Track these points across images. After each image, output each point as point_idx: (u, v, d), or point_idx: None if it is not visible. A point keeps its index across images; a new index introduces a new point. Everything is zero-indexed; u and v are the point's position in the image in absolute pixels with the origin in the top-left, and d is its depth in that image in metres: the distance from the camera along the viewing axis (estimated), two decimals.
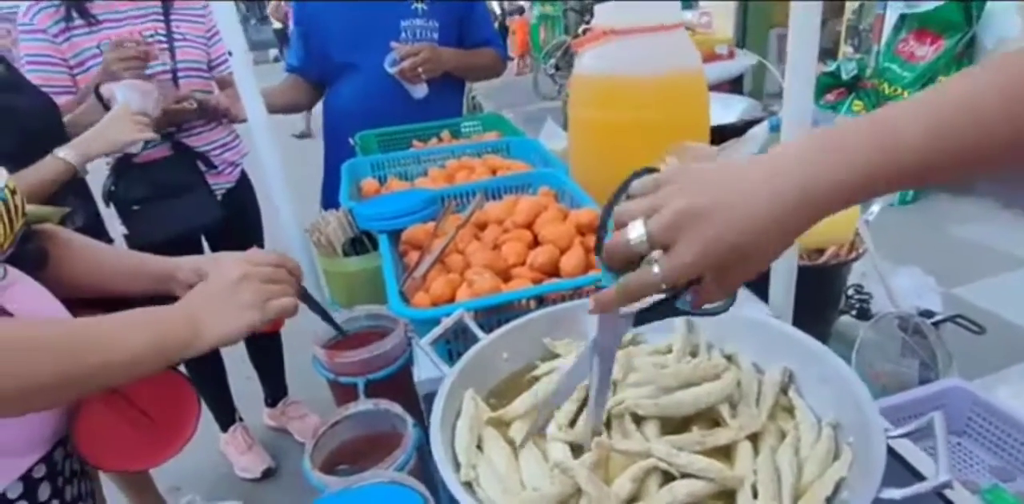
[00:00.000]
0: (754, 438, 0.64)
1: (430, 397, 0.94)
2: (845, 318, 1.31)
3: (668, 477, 0.60)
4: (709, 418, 0.67)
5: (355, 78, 1.80)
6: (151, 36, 1.68)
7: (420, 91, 1.74)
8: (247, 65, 1.10)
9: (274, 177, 1.22)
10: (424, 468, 0.93)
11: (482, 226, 1.08)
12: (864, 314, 1.30)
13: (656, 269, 0.48)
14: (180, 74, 1.72)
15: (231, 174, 1.91)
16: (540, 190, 1.17)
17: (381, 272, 1.12)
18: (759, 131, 0.92)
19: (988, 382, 1.16)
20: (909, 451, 0.68)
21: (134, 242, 1.73)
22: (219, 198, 1.87)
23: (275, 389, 2.34)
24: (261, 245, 2.09)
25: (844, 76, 3.38)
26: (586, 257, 0.92)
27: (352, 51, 1.76)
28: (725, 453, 0.63)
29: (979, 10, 3.17)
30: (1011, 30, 3.14)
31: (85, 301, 0.87)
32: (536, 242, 0.99)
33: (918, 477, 0.66)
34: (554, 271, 0.92)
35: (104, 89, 1.43)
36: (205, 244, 1.98)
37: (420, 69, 1.67)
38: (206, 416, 2.21)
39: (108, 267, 0.89)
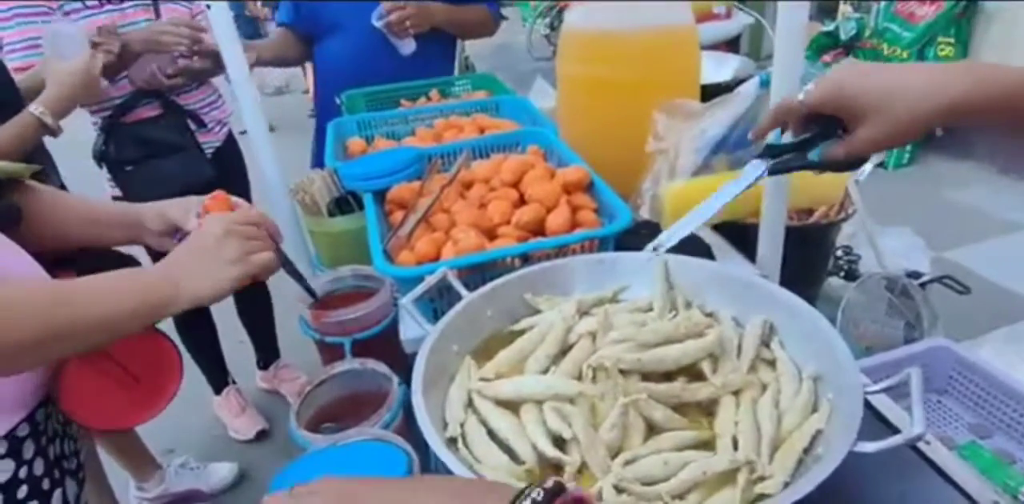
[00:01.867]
0: (735, 391, 0.64)
1: (416, 356, 0.94)
2: (833, 279, 1.32)
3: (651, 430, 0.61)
4: (691, 373, 0.67)
5: (343, 34, 1.77)
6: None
7: (408, 47, 1.71)
8: (227, 17, 1.07)
9: (258, 135, 1.20)
10: (410, 426, 0.94)
11: (468, 185, 1.06)
12: (852, 275, 1.30)
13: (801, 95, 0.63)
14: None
15: (219, 133, 1.88)
16: (528, 149, 1.16)
17: (366, 232, 1.11)
18: (749, 88, 0.90)
19: (974, 343, 1.17)
20: (888, 408, 0.69)
21: (127, 201, 1.71)
22: (208, 157, 1.84)
23: (267, 352, 2.35)
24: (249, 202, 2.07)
25: (843, 36, 3.32)
26: (571, 216, 0.91)
27: (341, 7, 1.73)
28: (707, 406, 0.64)
29: None
30: None
31: (58, 259, 0.86)
32: (522, 201, 0.97)
33: (896, 433, 0.67)
34: (539, 230, 0.91)
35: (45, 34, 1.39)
36: None
37: (407, 23, 1.63)
38: (199, 379, 2.23)
39: (78, 219, 0.88)
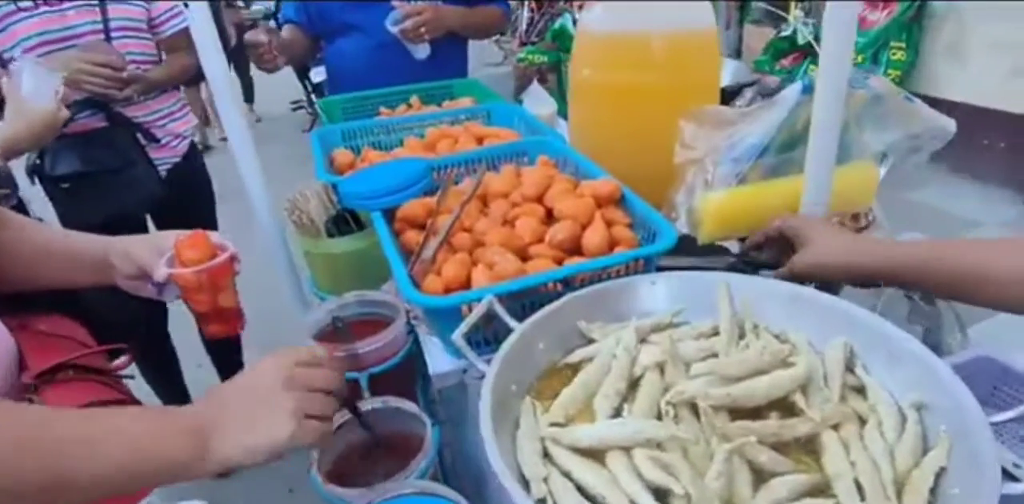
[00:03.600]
0: (834, 424, 0.58)
1: (448, 392, 0.86)
2: (848, 287, 1.29)
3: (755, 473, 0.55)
4: (780, 407, 0.61)
5: (356, 37, 1.69)
6: None
7: (422, 51, 1.65)
8: (206, 17, 0.95)
9: (240, 147, 1.08)
10: (444, 471, 0.85)
11: (482, 199, 0.99)
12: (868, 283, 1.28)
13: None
14: (113, 34, 1.51)
15: (177, 147, 1.72)
16: (539, 159, 1.08)
17: (368, 254, 1.02)
18: (790, 93, 0.86)
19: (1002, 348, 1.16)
20: None
21: (66, 226, 1.55)
22: (164, 174, 1.69)
23: (232, 376, 2.19)
24: (214, 226, 1.92)
25: (800, 41, 3.38)
26: (608, 233, 0.85)
27: (353, 9, 1.65)
28: (805, 443, 0.58)
29: None
30: None
31: (14, 301, 0.75)
32: (549, 217, 0.90)
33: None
34: (575, 248, 0.84)
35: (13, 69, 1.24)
36: (151, 226, 1.81)
37: (423, 29, 1.57)
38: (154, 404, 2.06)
39: (49, 257, 0.77)
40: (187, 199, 1.77)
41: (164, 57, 1.66)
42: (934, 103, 3.18)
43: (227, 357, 2.10)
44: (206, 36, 0.96)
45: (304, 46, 1.78)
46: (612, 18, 0.99)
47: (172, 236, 0.80)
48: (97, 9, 1.49)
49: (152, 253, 0.79)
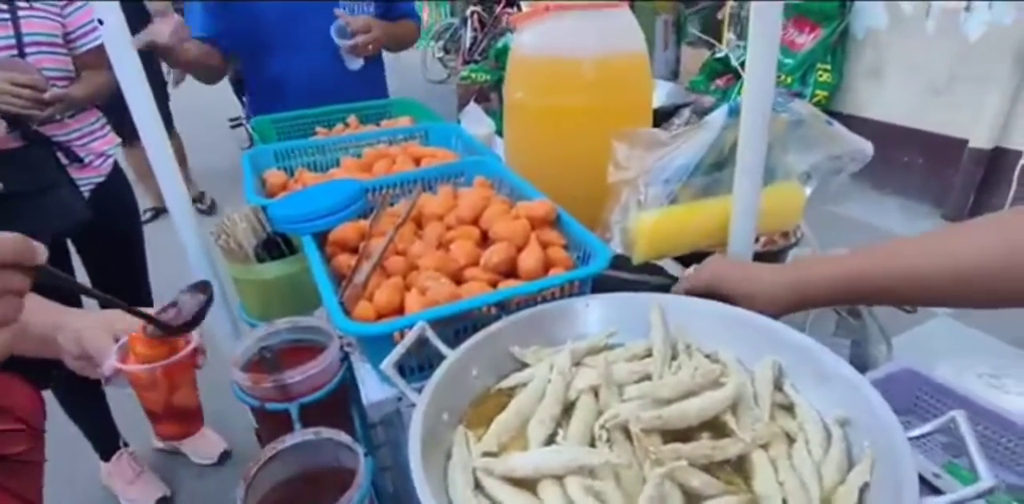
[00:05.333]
0: (764, 443, 0.59)
1: (383, 421, 0.83)
2: None
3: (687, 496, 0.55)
4: (710, 427, 0.61)
5: (291, 51, 1.62)
6: None
7: (356, 63, 1.64)
8: (124, 36, 0.91)
9: (163, 170, 1.04)
10: (384, 499, 0.82)
11: (417, 222, 0.97)
12: None
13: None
14: (27, 49, 1.44)
15: (100, 166, 1.64)
16: (476, 180, 1.08)
17: (300, 279, 0.98)
18: (717, 117, 0.88)
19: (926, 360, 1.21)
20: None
21: None
22: (87, 195, 1.61)
23: (106, 442, 1.99)
24: (140, 248, 1.84)
25: (733, 62, 3.51)
26: (544, 255, 0.84)
27: (286, 19, 1.58)
28: (735, 463, 0.58)
29: (851, 2, 3.39)
30: (879, 21, 3.39)
31: None
32: (485, 239, 0.90)
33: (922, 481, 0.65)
34: (510, 271, 0.84)
35: None
36: (72, 249, 1.71)
37: (371, 46, 1.57)
38: (85, 447, 1.94)
39: None
40: (112, 220, 1.69)
41: (81, 74, 1.59)
42: (859, 122, 3.36)
43: None
44: (124, 58, 0.92)
45: (218, 64, 1.64)
46: (543, 42, 1.00)
47: (122, 320, 0.72)
48: (9, 23, 1.42)
49: (106, 339, 0.72)
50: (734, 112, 0.86)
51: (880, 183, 3.53)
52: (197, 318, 0.73)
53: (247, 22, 1.59)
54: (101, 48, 1.53)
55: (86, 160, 1.59)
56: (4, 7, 1.41)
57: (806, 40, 3.45)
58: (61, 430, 1.78)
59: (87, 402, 1.85)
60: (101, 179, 1.65)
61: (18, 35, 1.43)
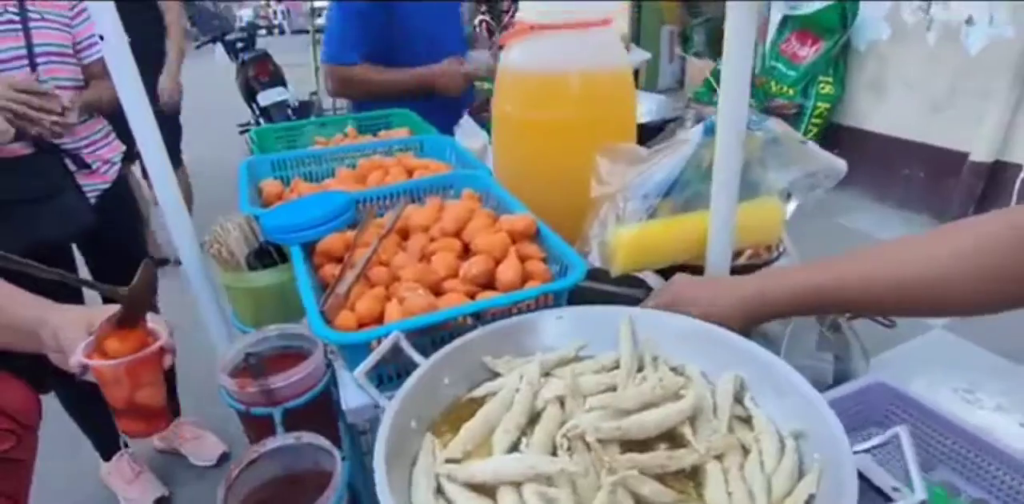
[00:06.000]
0: (719, 454, 0.61)
1: (360, 427, 0.86)
2: None
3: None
4: (668, 437, 0.64)
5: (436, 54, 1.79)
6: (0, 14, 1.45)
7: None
8: (123, 51, 0.95)
9: (160, 180, 1.07)
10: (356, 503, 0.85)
11: (403, 233, 1.00)
12: None
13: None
14: (38, 59, 1.49)
15: (107, 173, 1.69)
16: (463, 193, 1.11)
17: (291, 287, 1.01)
18: (694, 134, 0.91)
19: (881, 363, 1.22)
20: (866, 467, 0.69)
21: None
22: (93, 201, 1.65)
23: (107, 439, 2.03)
24: (144, 253, 1.88)
25: None
26: (522, 268, 0.87)
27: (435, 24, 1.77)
28: (690, 472, 0.61)
29: (852, 15, 3.41)
30: (881, 34, 3.40)
31: None
32: (466, 251, 0.92)
33: (877, 492, 0.67)
34: (489, 283, 0.86)
35: None
36: (77, 254, 1.76)
37: None
38: (85, 446, 1.97)
39: None
40: (117, 226, 1.73)
41: (89, 83, 1.64)
42: (860, 134, 3.36)
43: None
44: (123, 72, 0.96)
45: None
46: (529, 58, 1.03)
47: (102, 314, 0.75)
48: (21, 34, 1.47)
49: (79, 334, 0.74)
50: (710, 131, 0.89)
51: (882, 195, 3.54)
52: (140, 292, 0.74)
53: (403, 32, 1.76)
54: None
55: (93, 167, 1.64)
56: (16, 18, 1.46)
57: (808, 53, 3.47)
58: (63, 429, 1.82)
59: (88, 401, 1.88)
60: (107, 185, 1.69)
61: (29, 45, 1.47)
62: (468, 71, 1.75)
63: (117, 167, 1.73)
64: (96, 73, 1.63)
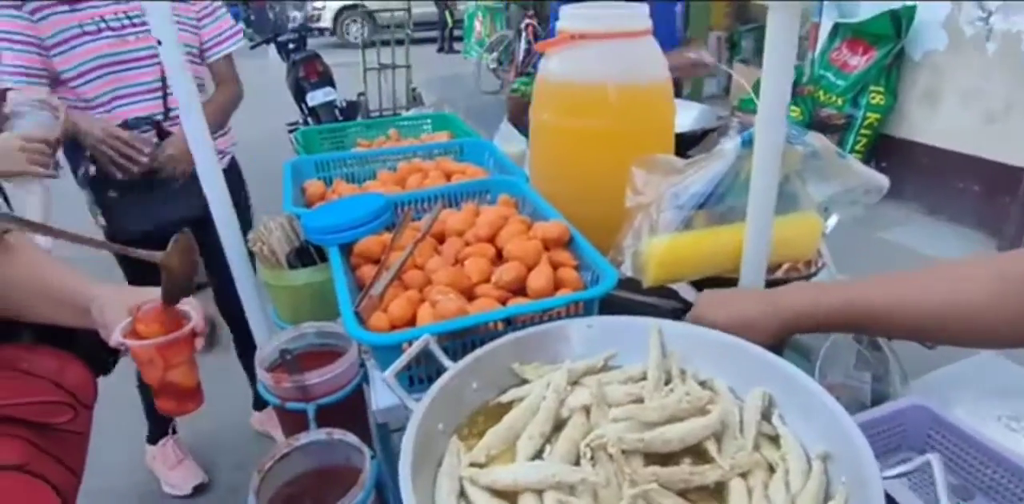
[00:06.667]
0: (743, 472, 0.61)
1: (388, 427, 0.88)
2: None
3: None
4: (693, 452, 0.63)
5: None
6: (134, 17, 1.56)
7: None
8: (178, 56, 0.99)
9: (207, 176, 1.11)
10: (383, 503, 0.87)
11: (439, 237, 1.02)
12: None
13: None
14: None
15: (220, 161, 1.77)
16: (499, 199, 1.12)
17: (329, 286, 1.04)
18: (731, 146, 0.90)
19: (921, 385, 1.18)
20: (896, 491, 0.67)
21: (112, 233, 1.60)
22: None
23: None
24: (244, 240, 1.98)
25: None
26: (553, 275, 0.88)
27: None
28: (714, 489, 0.60)
29: (908, 23, 3.31)
30: (938, 43, 3.30)
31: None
32: (499, 256, 0.93)
33: None
34: (520, 289, 0.87)
35: (7, 109, 1.28)
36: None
37: None
38: (129, 429, 2.05)
39: (34, 295, 0.78)
40: None
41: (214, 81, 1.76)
42: (912, 147, 3.26)
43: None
44: (179, 74, 1.00)
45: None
46: (568, 68, 1.04)
47: (146, 295, 0.79)
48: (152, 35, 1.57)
49: (121, 313, 0.78)
50: (747, 143, 0.88)
51: (934, 209, 3.42)
52: (178, 263, 0.78)
53: None
54: (229, 57, 1.74)
55: None
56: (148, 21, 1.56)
57: (859, 62, 3.39)
58: (116, 413, 1.89)
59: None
60: None
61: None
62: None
63: (229, 157, 1.83)
64: (219, 70, 1.75)
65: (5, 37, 1.46)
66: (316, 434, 0.83)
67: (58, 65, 1.51)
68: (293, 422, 0.89)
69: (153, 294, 0.77)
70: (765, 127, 0.83)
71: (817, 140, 0.90)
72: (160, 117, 1.63)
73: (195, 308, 0.79)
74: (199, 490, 2.01)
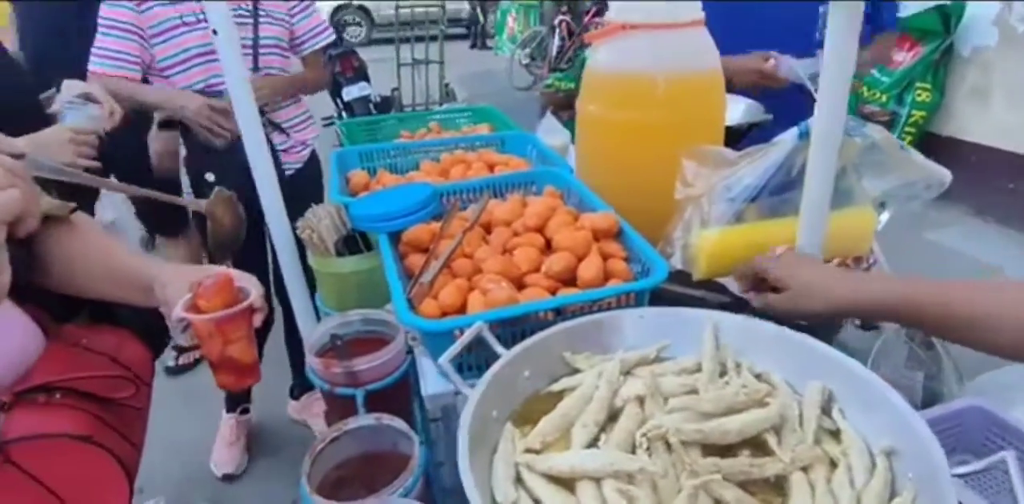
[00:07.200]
0: (804, 466, 0.60)
1: (431, 414, 0.88)
2: (848, 328, 1.29)
3: None
4: (752, 444, 0.63)
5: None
6: (235, 11, 1.61)
7: None
8: (233, 45, 1.01)
9: (258, 163, 1.13)
10: (429, 491, 0.87)
11: (485, 227, 1.02)
12: (867, 325, 1.28)
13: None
14: (261, 50, 1.67)
15: (300, 153, 1.84)
16: (545, 190, 1.12)
17: (375, 274, 1.05)
18: (787, 138, 0.88)
19: (977, 387, 1.15)
20: (960, 490, 0.65)
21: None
22: (286, 179, 1.79)
23: (302, 381, 2.21)
24: None
25: None
26: (603, 266, 0.87)
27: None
28: (774, 482, 0.59)
29: (957, 19, 3.22)
30: (988, 39, 3.20)
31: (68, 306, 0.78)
32: (548, 247, 0.93)
33: None
34: (570, 279, 0.87)
35: (56, 105, 1.31)
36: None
37: None
38: (174, 401, 2.09)
39: (102, 274, 0.80)
40: (302, 204, 1.85)
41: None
42: (959, 145, 3.17)
43: (301, 359, 2.16)
44: (232, 61, 1.01)
45: None
46: (618, 58, 1.03)
47: (210, 271, 0.81)
48: (250, 27, 1.63)
49: (182, 290, 0.79)
50: (804, 135, 0.86)
51: (982, 209, 3.32)
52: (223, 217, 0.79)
53: None
54: (319, 51, 1.83)
55: (290, 145, 1.80)
56: (247, 13, 1.64)
57: (905, 58, 3.30)
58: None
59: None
60: (299, 165, 1.83)
61: (255, 38, 1.64)
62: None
63: (310, 149, 1.88)
64: (310, 62, 1.83)
65: (110, 24, 1.54)
66: (365, 419, 0.84)
67: (158, 54, 1.59)
68: (341, 407, 0.90)
69: (213, 271, 0.78)
70: (825, 118, 0.81)
71: (876, 132, 0.87)
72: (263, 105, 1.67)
73: (254, 285, 0.81)
74: (231, 478, 2.04)
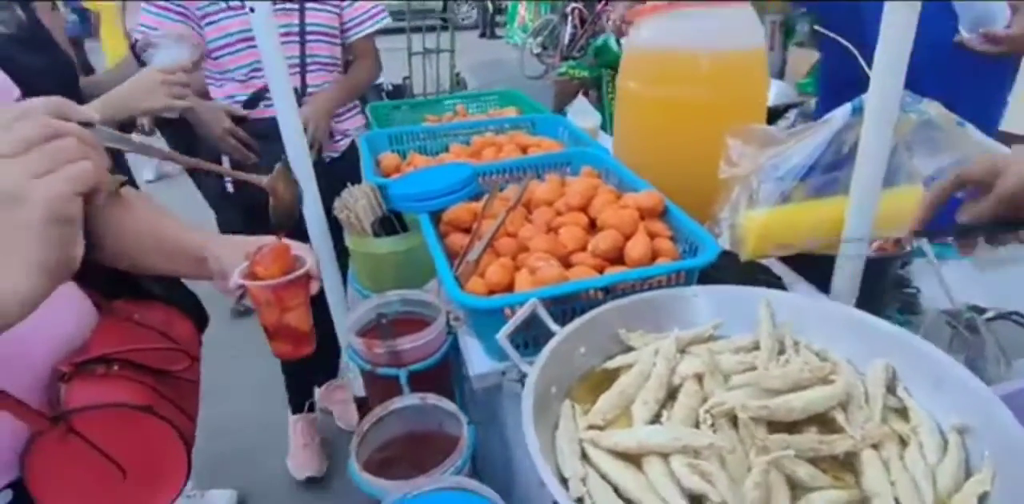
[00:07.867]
0: (874, 444, 0.59)
1: (483, 393, 0.87)
2: (888, 312, 1.27)
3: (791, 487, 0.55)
4: (818, 422, 0.61)
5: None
6: None
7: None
8: (269, 23, 0.99)
9: (292, 142, 1.12)
10: (475, 470, 0.87)
11: (526, 206, 1.01)
12: (909, 308, 1.27)
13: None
14: (308, 37, 1.61)
15: (339, 143, 1.78)
16: (583, 170, 1.10)
17: (412, 255, 1.04)
18: (839, 114, 0.86)
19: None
20: None
21: (240, 203, 1.65)
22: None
23: (325, 369, 2.16)
24: None
25: None
26: (650, 244, 0.86)
27: None
28: (844, 460, 0.58)
29: None
30: None
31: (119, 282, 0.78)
32: (592, 226, 0.92)
33: None
34: (617, 258, 0.86)
35: (140, 47, 1.29)
36: None
37: None
38: (241, 396, 2.08)
39: (154, 248, 0.79)
40: (335, 193, 1.83)
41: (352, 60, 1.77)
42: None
43: (327, 345, 2.13)
44: (268, 41, 1.00)
45: None
46: (660, 36, 1.01)
47: (263, 242, 0.79)
48: (296, 13, 1.58)
49: (238, 259, 0.78)
50: (857, 110, 0.84)
51: None
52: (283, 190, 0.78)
53: None
54: (369, 36, 1.74)
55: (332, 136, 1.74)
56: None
57: None
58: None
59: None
60: (336, 155, 1.78)
61: (302, 24, 1.59)
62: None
63: (350, 140, 1.82)
64: (359, 49, 1.75)
65: (162, 5, 1.52)
66: (411, 399, 0.83)
67: (208, 35, 1.55)
68: (384, 388, 0.89)
69: (269, 239, 0.78)
70: (880, 93, 0.79)
71: (932, 108, 0.85)
72: (297, 91, 1.62)
73: (309, 253, 0.80)
74: (310, 481, 1.96)
